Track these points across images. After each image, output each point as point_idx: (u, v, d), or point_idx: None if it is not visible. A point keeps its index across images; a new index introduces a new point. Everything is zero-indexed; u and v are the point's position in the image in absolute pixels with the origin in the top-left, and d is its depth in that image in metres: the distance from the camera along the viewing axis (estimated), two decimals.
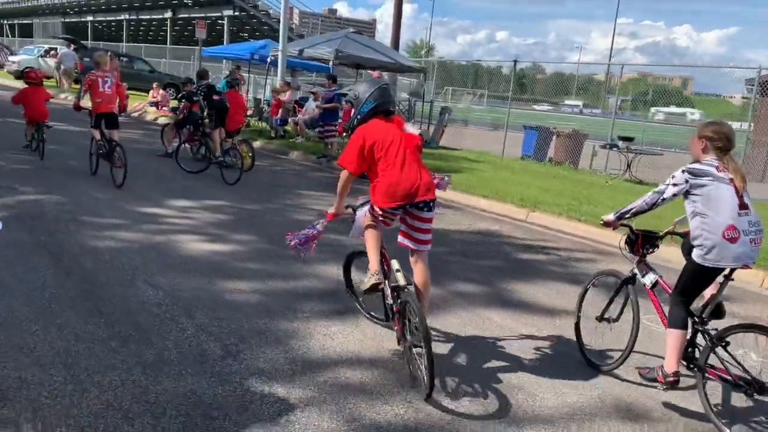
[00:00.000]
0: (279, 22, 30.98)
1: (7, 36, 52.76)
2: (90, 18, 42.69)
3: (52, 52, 29.05)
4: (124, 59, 26.88)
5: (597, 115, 47.80)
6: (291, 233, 4.21)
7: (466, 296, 5.27)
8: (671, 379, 3.48)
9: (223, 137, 10.24)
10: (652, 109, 38.00)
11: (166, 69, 30.01)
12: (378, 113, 3.90)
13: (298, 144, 14.64)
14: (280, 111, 15.68)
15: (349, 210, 4.13)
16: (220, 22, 35.01)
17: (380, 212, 3.84)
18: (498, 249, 7.19)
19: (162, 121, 17.52)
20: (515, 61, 16.94)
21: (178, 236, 6.02)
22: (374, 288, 3.79)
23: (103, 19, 42.14)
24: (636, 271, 3.94)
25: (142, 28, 43.15)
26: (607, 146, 14.48)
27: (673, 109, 40.25)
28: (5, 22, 55.54)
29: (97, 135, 8.56)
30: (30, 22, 52.51)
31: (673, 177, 3.55)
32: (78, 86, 25.02)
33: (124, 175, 8.11)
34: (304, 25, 27.61)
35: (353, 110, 4.02)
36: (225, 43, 30.36)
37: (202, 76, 10.86)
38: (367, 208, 4.03)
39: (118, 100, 8.77)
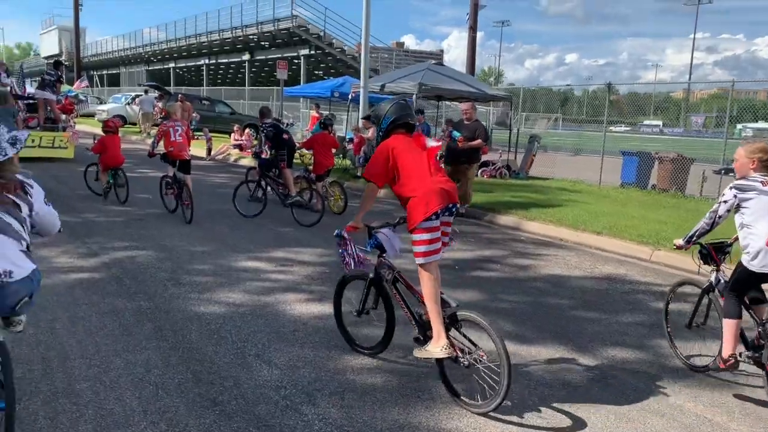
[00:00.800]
0: (353, 58, 31.54)
1: (97, 86, 55.91)
2: (172, 65, 44.58)
3: (137, 100, 30.29)
4: (206, 102, 27.57)
5: (678, 134, 45.35)
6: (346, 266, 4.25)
7: (622, 367, 4.44)
8: (730, 362, 3.92)
9: (293, 176, 9.95)
10: (739, 126, 35.74)
11: (246, 110, 30.60)
12: (397, 127, 3.99)
13: None
14: (363, 148, 15.30)
15: (363, 227, 4.10)
16: (295, 61, 35.63)
17: (427, 227, 3.65)
18: (633, 298, 6.28)
19: (245, 162, 17.53)
20: (609, 84, 15.99)
21: (282, 296, 5.51)
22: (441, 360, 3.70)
23: (184, 65, 43.90)
24: (714, 278, 4.33)
25: (220, 71, 44.62)
26: (722, 171, 13.19)
27: (761, 124, 37.67)
28: (95, 73, 58.97)
29: (170, 172, 9.07)
30: (117, 72, 55.60)
31: (723, 195, 4.03)
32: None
33: (191, 213, 8.61)
34: (373, 59, 27.81)
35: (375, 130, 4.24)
36: (302, 81, 30.73)
37: (265, 114, 10.29)
38: (389, 231, 4.08)
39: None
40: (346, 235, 4.21)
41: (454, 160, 10.72)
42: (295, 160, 12.42)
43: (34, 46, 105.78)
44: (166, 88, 30.30)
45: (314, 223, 8.96)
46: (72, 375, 3.75)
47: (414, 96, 15.85)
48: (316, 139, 10.59)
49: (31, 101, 16.16)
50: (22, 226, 2.87)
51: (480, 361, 3.53)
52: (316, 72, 35.72)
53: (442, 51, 45.33)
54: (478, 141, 10.57)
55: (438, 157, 4.22)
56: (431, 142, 4.02)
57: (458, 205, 3.87)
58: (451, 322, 3.69)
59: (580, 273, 7.21)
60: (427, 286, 3.66)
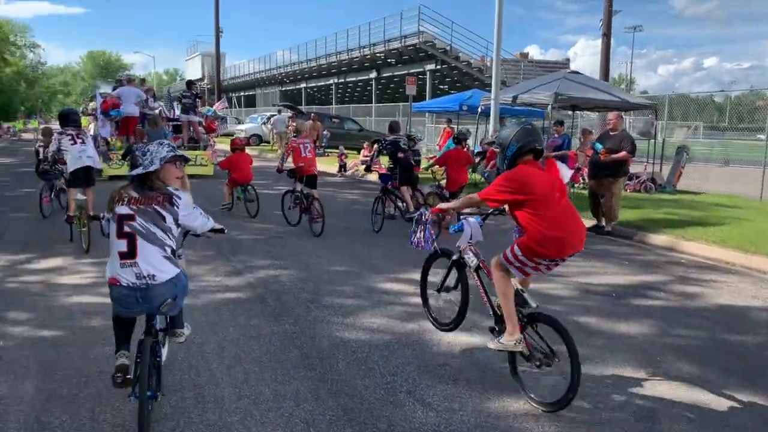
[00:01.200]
0: (480, 71, 31.05)
1: (235, 107, 59.56)
2: (303, 85, 46.44)
3: (271, 119, 31.72)
4: (335, 120, 28.31)
5: None
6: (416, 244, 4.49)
7: None
8: None
9: (410, 194, 9.69)
10: None
11: (373, 126, 31.05)
12: (524, 154, 3.80)
13: None
14: (496, 162, 14.76)
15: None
16: (421, 76, 35.73)
17: (521, 258, 3.69)
18: None
19: (372, 178, 17.59)
20: None
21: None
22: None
23: (315, 84, 45.57)
24: None
25: (348, 89, 45.80)
26: None
27: None
28: (233, 95, 62.91)
29: (298, 187, 9.32)
30: (253, 93, 58.95)
31: None
32: None
33: (322, 226, 8.76)
34: (501, 71, 27.59)
35: (498, 155, 4.03)
36: (427, 96, 30.71)
37: (394, 129, 10.12)
38: (475, 221, 4.22)
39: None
40: (428, 215, 4.41)
41: (596, 174, 9.96)
42: (426, 175, 12.23)
43: (180, 71, 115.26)
44: (299, 107, 31.45)
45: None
46: (223, 406, 3.64)
47: (549, 107, 15.15)
48: (450, 155, 10.27)
49: (176, 123, 17.30)
50: (166, 234, 3.26)
51: (552, 362, 3.63)
52: (441, 86, 35.57)
53: (568, 60, 43.70)
54: (623, 153, 9.69)
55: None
56: (564, 171, 3.98)
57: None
58: (529, 321, 3.76)
59: (760, 304, 6.27)
60: (498, 282, 3.80)
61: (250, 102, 60.44)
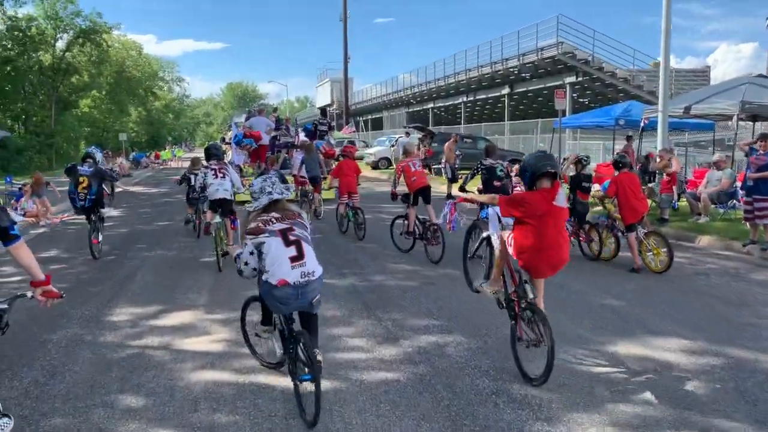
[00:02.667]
0: (626, 81, 28.35)
1: (362, 130, 60.03)
2: (431, 105, 45.55)
3: (398, 141, 30.93)
4: (468, 140, 26.86)
5: None
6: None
7: None
8: None
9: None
10: None
11: (506, 145, 29.28)
12: (540, 177, 4.39)
13: (703, 225, 11.29)
14: (672, 184, 12.53)
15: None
16: (559, 90, 33.46)
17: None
18: None
19: None
20: None
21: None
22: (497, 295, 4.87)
23: (442, 104, 44.50)
24: None
25: (477, 107, 44.30)
26: None
27: None
28: (360, 118, 63.56)
29: (412, 214, 9.12)
30: (380, 116, 59.12)
31: None
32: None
33: (441, 252, 8.44)
34: (649, 80, 25.31)
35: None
36: (568, 111, 28.45)
37: (490, 152, 9.04)
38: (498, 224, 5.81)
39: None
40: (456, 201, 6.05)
41: None
42: (597, 208, 10.51)
43: (309, 98, 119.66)
44: (429, 128, 30.37)
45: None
46: None
47: (735, 118, 12.78)
48: (621, 180, 8.43)
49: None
50: (309, 237, 4.06)
51: (540, 344, 4.36)
52: (581, 100, 33.10)
53: (708, 67, 39.87)
54: None
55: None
56: (561, 200, 4.44)
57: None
58: (526, 308, 4.53)
59: None
60: (500, 249, 4.78)
61: (377, 125, 60.64)
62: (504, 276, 4.80)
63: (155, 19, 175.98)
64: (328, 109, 66.15)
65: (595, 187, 10.37)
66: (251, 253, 3.94)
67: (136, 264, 8.87)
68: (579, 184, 9.08)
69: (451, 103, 42.86)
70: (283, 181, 10.78)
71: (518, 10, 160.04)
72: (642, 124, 15.17)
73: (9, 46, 38.24)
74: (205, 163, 9.24)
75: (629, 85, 28.42)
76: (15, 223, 3.27)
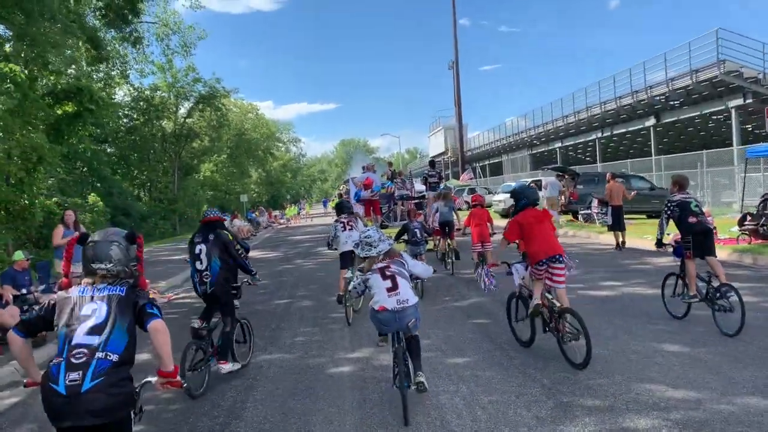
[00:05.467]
0: None
1: (480, 176, 57.15)
2: (557, 144, 41.94)
3: (531, 185, 27.68)
4: (619, 180, 23.19)
5: None
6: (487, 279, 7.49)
7: None
8: None
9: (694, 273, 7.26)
10: None
11: (662, 183, 25.22)
12: (525, 207, 6.51)
13: None
14: None
15: (503, 265, 6.84)
16: (715, 117, 29.00)
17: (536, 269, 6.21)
18: None
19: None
20: None
21: None
22: (537, 310, 6.21)
23: (572, 142, 40.76)
24: None
25: (612, 143, 40.19)
26: None
27: None
28: (477, 164, 60.78)
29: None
30: (499, 160, 55.98)
31: None
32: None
33: (587, 352, 5.64)
34: None
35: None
36: (734, 140, 24.12)
37: (682, 185, 7.55)
38: (520, 266, 6.73)
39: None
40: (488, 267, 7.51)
41: None
42: None
43: (419, 149, 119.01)
44: (572, 168, 26.93)
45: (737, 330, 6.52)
46: None
47: None
48: None
49: (418, 200, 18.37)
50: (407, 274, 5.18)
51: (578, 337, 5.71)
52: (745, 127, 28.40)
53: None
54: None
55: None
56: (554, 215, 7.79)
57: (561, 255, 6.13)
58: (559, 314, 6.00)
59: None
60: (532, 283, 6.38)
61: (495, 170, 57.51)
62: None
63: (273, 87, 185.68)
64: (441, 158, 64.52)
65: None
66: (359, 283, 5.19)
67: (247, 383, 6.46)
68: None
69: (582, 140, 39.04)
70: (427, 231, 11.31)
71: (625, 48, 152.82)
72: None
73: (135, 116, 39.49)
74: (336, 217, 9.62)
75: None
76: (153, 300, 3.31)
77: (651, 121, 30.22)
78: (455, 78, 41.50)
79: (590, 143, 39.29)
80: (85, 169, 34.14)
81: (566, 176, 23.62)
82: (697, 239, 7.11)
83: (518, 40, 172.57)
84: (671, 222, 7.42)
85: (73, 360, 2.98)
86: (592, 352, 5.53)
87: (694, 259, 7.15)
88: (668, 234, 7.83)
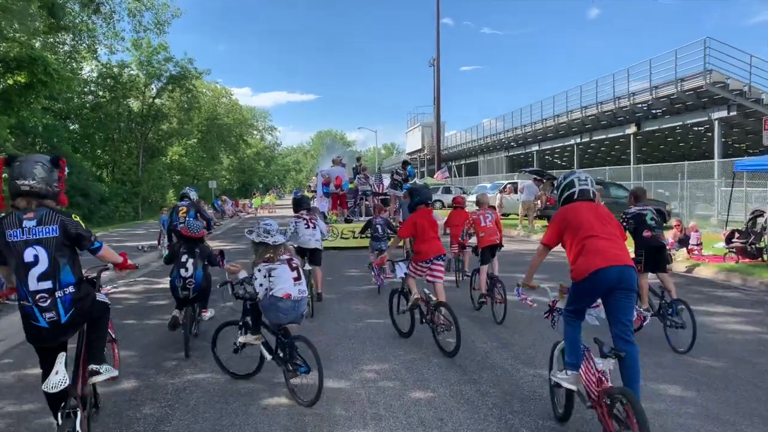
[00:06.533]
0: None
1: (455, 176, 56.37)
2: (535, 148, 41.26)
3: (507, 187, 26.94)
4: (597, 187, 22.49)
5: None
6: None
7: None
8: None
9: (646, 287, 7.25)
10: None
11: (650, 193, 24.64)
12: (419, 205, 7.16)
13: None
14: None
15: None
16: (696, 129, 28.52)
17: (419, 266, 6.96)
18: None
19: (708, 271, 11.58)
20: None
21: None
22: (416, 303, 6.82)
23: (549, 147, 40.11)
24: None
25: (590, 149, 39.65)
26: None
27: None
28: (453, 163, 60.00)
29: (484, 275, 8.54)
30: (475, 161, 55.27)
31: None
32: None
33: (504, 312, 7.79)
34: None
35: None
36: (716, 153, 23.57)
37: (638, 197, 7.55)
38: (403, 263, 7.38)
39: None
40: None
41: None
42: None
43: (396, 145, 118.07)
44: (548, 172, 26.14)
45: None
46: None
47: None
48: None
49: (385, 197, 18.55)
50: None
51: (449, 328, 6.36)
52: (725, 140, 27.96)
53: None
54: None
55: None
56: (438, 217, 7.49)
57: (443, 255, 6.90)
58: (434, 307, 6.61)
59: None
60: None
61: (471, 170, 56.80)
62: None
63: (251, 74, 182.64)
64: (418, 155, 63.68)
65: None
66: (264, 276, 5.17)
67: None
68: None
69: (560, 145, 38.40)
70: (391, 227, 11.02)
71: (604, 53, 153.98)
72: None
73: (101, 93, 37.64)
74: (294, 213, 9.37)
75: None
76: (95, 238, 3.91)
77: (632, 129, 29.61)
78: (436, 75, 40.67)
79: (568, 148, 38.71)
80: (44, 144, 32.30)
81: (544, 180, 22.82)
82: (650, 254, 7.10)
83: (501, 42, 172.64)
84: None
85: (41, 303, 3.58)
86: (461, 342, 6.23)
87: (646, 273, 7.15)
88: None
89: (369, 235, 10.99)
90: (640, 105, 27.63)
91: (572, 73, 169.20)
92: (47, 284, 3.57)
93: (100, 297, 4.04)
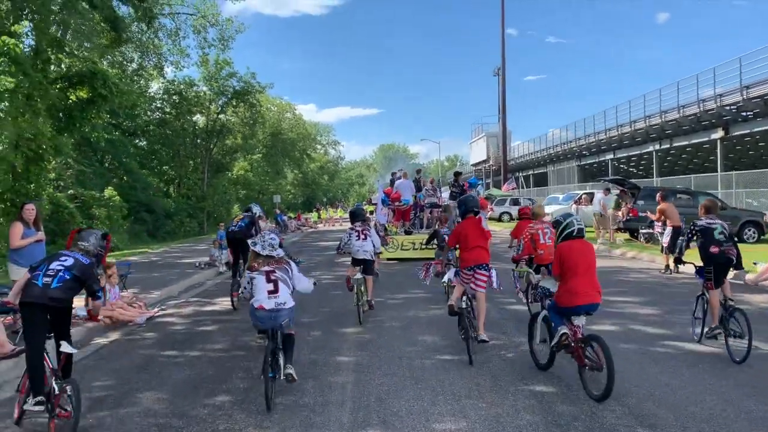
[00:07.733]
0: None
1: (523, 186, 54.45)
2: (609, 156, 39.06)
3: (582, 198, 25.17)
4: (683, 197, 20.55)
5: None
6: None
7: None
8: None
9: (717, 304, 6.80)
10: None
11: (733, 202, 22.44)
12: (466, 214, 7.39)
13: None
14: None
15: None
16: None
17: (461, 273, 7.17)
18: None
19: None
20: None
21: None
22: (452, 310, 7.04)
23: (625, 154, 37.86)
24: None
25: (670, 156, 37.15)
26: None
27: None
28: (520, 174, 58.04)
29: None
30: (544, 171, 53.20)
31: None
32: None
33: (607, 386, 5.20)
34: None
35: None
36: None
37: (709, 209, 7.18)
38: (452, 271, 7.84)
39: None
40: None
41: None
42: None
43: (460, 157, 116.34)
44: (630, 180, 24.27)
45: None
46: None
47: None
48: None
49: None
50: (290, 281, 5.77)
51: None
52: None
53: None
54: None
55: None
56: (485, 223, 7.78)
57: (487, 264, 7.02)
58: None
59: None
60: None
61: (540, 181, 54.71)
62: None
63: (315, 91, 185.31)
64: (482, 166, 62.05)
65: None
66: (248, 282, 5.76)
67: None
68: None
69: (637, 152, 36.14)
70: (441, 239, 10.89)
71: (672, 60, 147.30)
72: None
73: (167, 109, 38.19)
74: (350, 225, 9.82)
75: None
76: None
77: (718, 134, 27.28)
78: (501, 84, 39.38)
79: (645, 155, 36.42)
80: (113, 161, 32.94)
81: (625, 190, 21.01)
82: (719, 270, 6.83)
83: (566, 50, 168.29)
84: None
85: (48, 273, 4.98)
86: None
87: (717, 290, 6.84)
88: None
89: (435, 245, 11.51)
90: (728, 107, 25.39)
91: (640, 81, 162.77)
92: (61, 266, 5.10)
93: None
